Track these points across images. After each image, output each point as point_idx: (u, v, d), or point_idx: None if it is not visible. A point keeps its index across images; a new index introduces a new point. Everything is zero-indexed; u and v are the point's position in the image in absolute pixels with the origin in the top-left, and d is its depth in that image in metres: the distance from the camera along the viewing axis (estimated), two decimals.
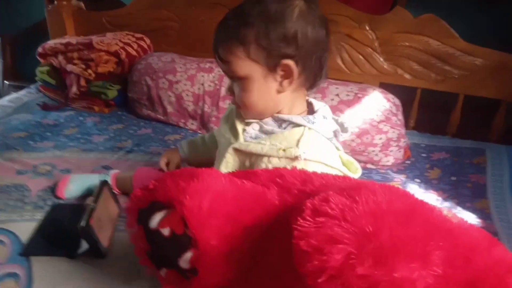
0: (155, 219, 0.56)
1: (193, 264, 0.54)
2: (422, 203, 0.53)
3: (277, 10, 0.66)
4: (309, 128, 0.70)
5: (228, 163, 0.74)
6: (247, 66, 0.68)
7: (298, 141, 0.68)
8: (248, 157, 0.72)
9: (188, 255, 0.54)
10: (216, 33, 0.71)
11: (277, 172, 0.64)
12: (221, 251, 0.53)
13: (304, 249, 0.44)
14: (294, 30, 0.66)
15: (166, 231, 0.55)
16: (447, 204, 1.06)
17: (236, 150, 0.73)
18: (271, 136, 0.71)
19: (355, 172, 0.76)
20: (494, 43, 1.36)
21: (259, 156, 0.69)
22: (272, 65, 0.67)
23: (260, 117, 0.74)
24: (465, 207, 1.05)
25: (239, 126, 0.75)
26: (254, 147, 0.70)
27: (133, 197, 0.60)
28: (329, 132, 0.73)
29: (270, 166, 0.68)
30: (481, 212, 1.03)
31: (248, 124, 0.75)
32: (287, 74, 0.68)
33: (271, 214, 0.56)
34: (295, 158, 0.66)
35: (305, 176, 0.63)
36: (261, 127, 0.74)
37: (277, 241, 0.54)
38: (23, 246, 0.83)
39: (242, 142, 0.73)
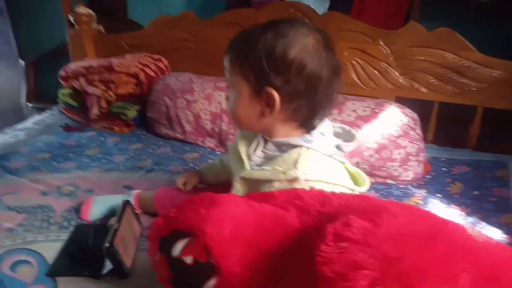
0: (178, 248, 0.57)
1: None
2: (444, 223, 0.52)
3: (281, 39, 0.66)
4: (307, 148, 0.70)
5: (238, 192, 0.76)
6: (238, 80, 0.71)
7: (296, 162, 0.69)
8: (255, 184, 0.73)
9: (212, 282, 0.54)
10: (229, 43, 0.75)
11: (295, 194, 0.64)
12: (244, 278, 0.54)
13: (328, 275, 0.44)
14: (290, 63, 0.66)
15: (188, 259, 0.56)
16: (470, 219, 1.04)
17: (243, 179, 0.75)
18: (273, 161, 0.73)
19: (363, 183, 0.76)
20: (507, 55, 1.35)
21: (263, 181, 0.71)
22: (258, 89, 0.69)
23: (246, 129, 0.78)
24: (489, 222, 1.02)
25: (244, 155, 0.78)
26: (258, 174, 0.72)
27: (154, 225, 0.61)
28: (329, 148, 0.73)
29: (272, 190, 0.69)
30: (507, 227, 1.01)
31: (251, 152, 0.77)
32: (269, 103, 0.69)
33: (291, 237, 0.57)
34: (296, 179, 0.67)
35: (323, 197, 0.63)
36: (265, 154, 0.76)
37: (298, 263, 0.54)
38: (49, 266, 0.85)
39: (247, 170, 0.75)
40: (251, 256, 0.55)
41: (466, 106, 1.40)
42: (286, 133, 0.73)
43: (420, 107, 1.36)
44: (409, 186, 1.21)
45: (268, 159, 0.75)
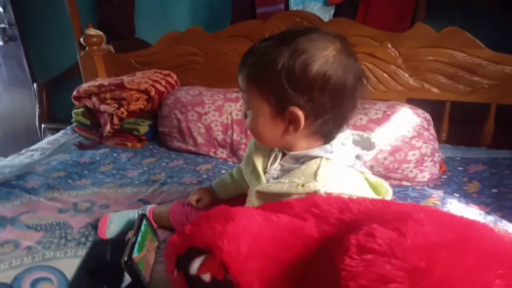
0: (195, 265, 0.55)
1: None
2: (471, 226, 0.50)
3: (300, 57, 0.62)
4: (327, 159, 0.66)
5: (254, 205, 0.73)
6: (258, 101, 0.67)
7: (316, 173, 0.65)
8: (271, 198, 0.70)
9: None
10: (241, 60, 0.70)
11: (312, 201, 0.62)
12: None
13: None
14: (311, 83, 0.62)
15: (206, 277, 0.54)
16: (490, 218, 1.01)
17: (259, 193, 0.72)
18: (290, 174, 0.69)
19: (386, 194, 0.72)
20: None
21: (280, 195, 0.67)
22: (280, 109, 0.66)
23: (268, 145, 0.74)
24: (510, 220, 1.00)
25: (260, 168, 0.75)
26: (275, 187, 0.68)
27: (170, 243, 0.60)
28: (350, 159, 0.69)
29: None
30: None
31: (268, 165, 0.74)
32: (294, 121, 0.66)
33: (311, 247, 0.54)
34: (315, 192, 0.63)
35: (342, 204, 0.60)
36: (282, 166, 0.73)
37: (319, 275, 0.52)
38: (68, 283, 0.86)
39: (263, 184, 0.72)
40: (270, 270, 0.53)
41: (478, 104, 1.38)
42: (308, 146, 0.70)
43: (432, 108, 1.35)
44: (426, 187, 1.19)
45: (285, 171, 0.71)
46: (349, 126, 0.74)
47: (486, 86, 1.35)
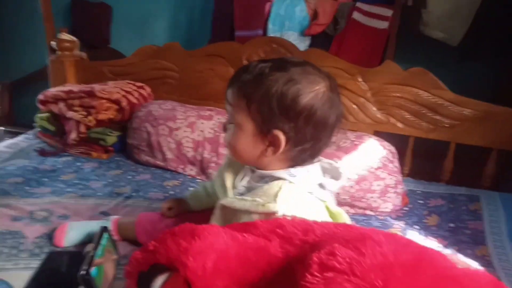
0: (157, 283, 0.55)
1: None
2: (426, 251, 0.53)
3: (294, 86, 0.67)
4: (290, 182, 0.69)
5: (217, 219, 0.74)
6: (244, 118, 0.70)
7: (276, 195, 0.67)
8: (234, 213, 0.71)
9: None
10: (235, 74, 0.73)
11: (277, 223, 0.63)
12: None
13: None
14: (298, 112, 0.67)
15: None
16: (448, 251, 1.06)
17: (224, 207, 0.73)
18: (253, 192, 0.71)
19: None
20: (479, 94, 1.43)
21: (243, 212, 0.69)
22: (264, 130, 0.69)
23: (243, 163, 0.77)
24: (466, 254, 1.05)
25: (228, 182, 0.77)
26: (238, 203, 0.70)
27: (132, 260, 0.59)
28: (311, 186, 0.72)
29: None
30: (482, 259, 1.03)
31: (237, 181, 0.77)
32: (274, 144, 0.69)
33: (275, 267, 0.55)
34: (273, 213, 0.65)
35: (306, 226, 0.62)
36: (249, 183, 0.75)
37: None
38: None
39: (228, 199, 0.73)
40: None
41: (439, 141, 1.46)
42: (277, 168, 0.72)
43: (396, 142, 1.41)
44: (388, 218, 1.23)
45: (250, 189, 0.74)
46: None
47: (447, 125, 1.44)
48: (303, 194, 0.70)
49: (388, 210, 1.24)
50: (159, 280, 0.55)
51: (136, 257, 0.59)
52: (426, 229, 1.17)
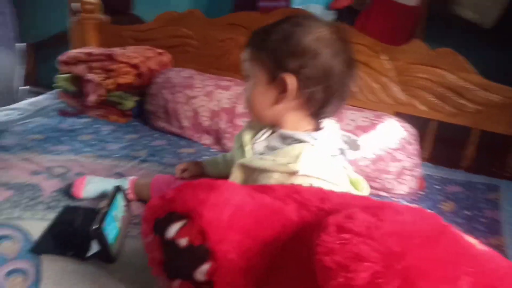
0: (172, 229, 0.55)
1: (209, 276, 0.53)
2: (447, 226, 0.52)
3: (298, 27, 0.70)
4: (312, 145, 0.70)
5: (236, 179, 0.75)
6: (255, 69, 0.73)
7: (298, 156, 0.68)
8: (252, 173, 0.72)
9: (205, 267, 0.53)
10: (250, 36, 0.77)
11: (294, 188, 0.63)
12: (239, 266, 0.52)
13: (328, 266, 0.43)
14: (304, 48, 0.68)
15: (183, 242, 0.54)
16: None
17: (242, 166, 0.74)
18: (274, 152, 0.72)
19: (362, 190, 0.75)
20: (507, 81, 1.37)
21: (262, 171, 0.70)
22: (274, 76, 0.71)
23: (259, 120, 0.78)
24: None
25: (247, 138, 0.78)
26: (257, 162, 0.71)
27: (150, 206, 0.59)
28: (333, 150, 0.73)
29: (271, 181, 0.68)
30: (496, 249, 1.00)
31: (255, 140, 0.77)
32: (284, 89, 0.70)
33: (289, 230, 0.55)
34: (294, 173, 0.66)
35: (323, 194, 0.62)
36: (268, 142, 0.76)
37: (294, 258, 0.53)
38: (33, 243, 0.83)
39: (247, 157, 0.75)
40: (247, 244, 0.54)
41: (462, 127, 1.41)
42: (296, 123, 0.73)
43: (417, 124, 1.37)
44: (402, 200, 1.21)
45: (270, 149, 0.74)
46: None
47: (471, 111, 1.39)
48: (325, 157, 0.71)
49: (403, 193, 1.22)
50: (175, 227, 0.55)
51: (153, 203, 0.59)
52: (441, 215, 1.13)
